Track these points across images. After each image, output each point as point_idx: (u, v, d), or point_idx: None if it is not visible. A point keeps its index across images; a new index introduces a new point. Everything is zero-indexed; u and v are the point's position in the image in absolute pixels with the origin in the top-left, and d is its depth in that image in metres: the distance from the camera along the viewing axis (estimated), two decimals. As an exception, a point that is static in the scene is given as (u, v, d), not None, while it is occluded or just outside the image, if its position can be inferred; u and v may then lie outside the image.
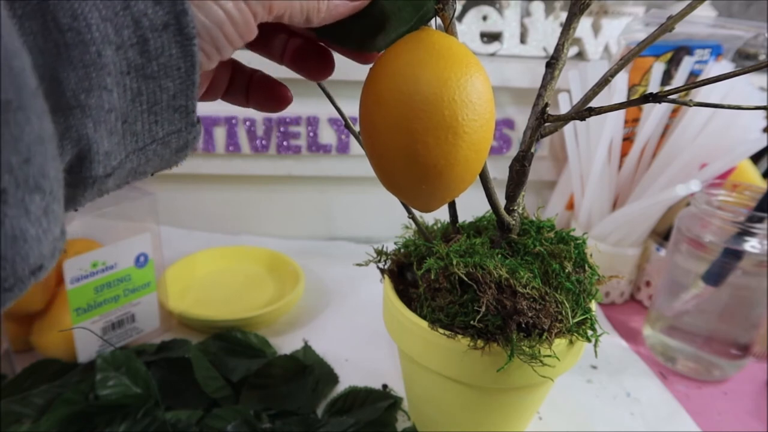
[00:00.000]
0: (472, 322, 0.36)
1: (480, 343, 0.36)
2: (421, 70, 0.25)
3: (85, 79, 0.19)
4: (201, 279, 0.68)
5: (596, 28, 0.77)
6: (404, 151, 0.26)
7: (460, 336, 0.36)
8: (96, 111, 0.20)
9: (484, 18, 0.74)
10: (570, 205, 0.77)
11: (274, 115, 0.72)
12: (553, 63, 0.36)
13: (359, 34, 0.27)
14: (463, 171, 0.27)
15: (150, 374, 0.48)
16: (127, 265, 0.52)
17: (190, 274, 0.67)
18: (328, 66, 0.30)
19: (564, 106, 0.69)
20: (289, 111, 0.72)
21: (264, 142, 0.73)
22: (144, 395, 0.47)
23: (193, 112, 0.23)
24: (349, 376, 0.53)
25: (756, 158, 0.74)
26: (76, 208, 0.22)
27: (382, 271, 0.45)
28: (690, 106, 0.31)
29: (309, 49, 0.30)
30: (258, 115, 0.72)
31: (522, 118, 0.76)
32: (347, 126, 0.40)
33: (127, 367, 0.48)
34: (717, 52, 0.69)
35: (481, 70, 0.26)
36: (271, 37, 0.30)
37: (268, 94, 0.31)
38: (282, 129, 0.73)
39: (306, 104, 0.72)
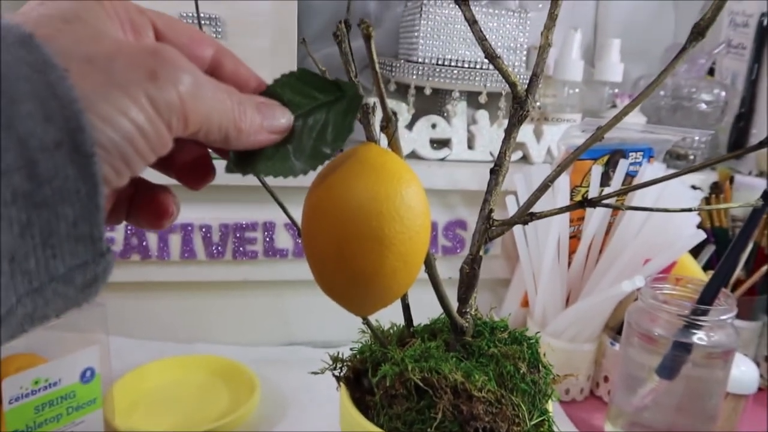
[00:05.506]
0: (429, 430, 0.35)
1: (439, 451, 0.35)
2: (355, 182, 0.27)
3: None
4: (151, 392, 0.65)
5: (538, 134, 0.82)
6: (335, 257, 0.27)
7: (418, 444, 0.36)
8: None
9: (433, 126, 0.78)
10: (525, 302, 0.79)
11: (231, 221, 0.73)
12: (497, 170, 0.38)
13: (272, 164, 0.27)
14: (391, 280, 0.28)
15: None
16: (72, 381, 0.50)
17: (140, 386, 0.64)
18: (210, 173, 0.28)
19: (512, 208, 0.72)
20: (246, 217, 0.73)
21: (220, 248, 0.73)
22: None
23: (100, 240, 0.20)
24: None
25: (696, 252, 0.78)
26: None
27: (338, 378, 0.44)
28: (623, 209, 0.33)
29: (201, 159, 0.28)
30: (214, 222, 0.72)
31: (473, 219, 0.78)
32: (300, 235, 0.41)
33: (66, 494, 0.45)
34: (649, 154, 0.74)
35: (413, 185, 0.28)
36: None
37: (150, 207, 0.27)
38: (238, 234, 0.73)
39: (262, 210, 0.73)
